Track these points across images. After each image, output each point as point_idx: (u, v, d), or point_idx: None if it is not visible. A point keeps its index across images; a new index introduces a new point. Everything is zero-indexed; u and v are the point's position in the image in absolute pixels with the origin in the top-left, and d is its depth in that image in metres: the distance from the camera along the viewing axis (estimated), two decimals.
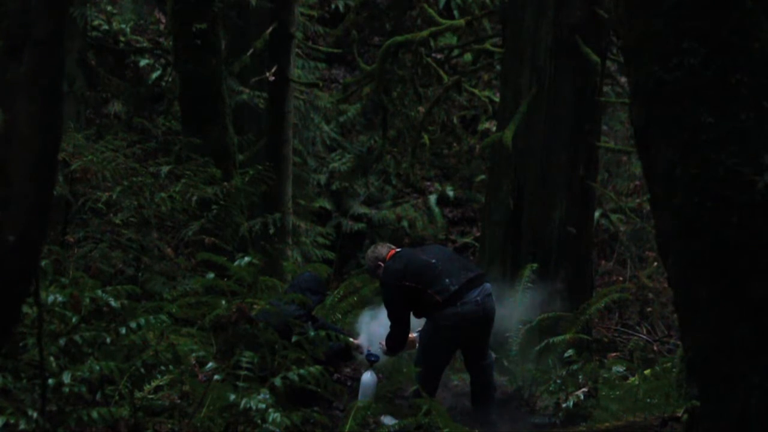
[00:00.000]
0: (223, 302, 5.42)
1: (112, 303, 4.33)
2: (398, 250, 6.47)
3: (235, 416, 4.15)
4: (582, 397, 6.51)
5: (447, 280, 6.11)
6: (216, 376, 4.38)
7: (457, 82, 10.93)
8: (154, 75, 12.58)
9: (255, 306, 4.86)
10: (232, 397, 4.14)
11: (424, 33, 10.26)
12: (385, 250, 6.44)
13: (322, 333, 5.31)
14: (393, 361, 6.91)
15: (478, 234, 11.67)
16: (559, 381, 6.92)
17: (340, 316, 7.56)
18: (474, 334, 6.27)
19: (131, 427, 4.20)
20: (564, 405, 6.56)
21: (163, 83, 12.08)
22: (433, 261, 6.20)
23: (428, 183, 14.22)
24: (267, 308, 5.25)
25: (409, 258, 6.29)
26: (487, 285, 6.27)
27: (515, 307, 7.58)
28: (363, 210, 13.14)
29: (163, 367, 4.53)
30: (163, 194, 6.94)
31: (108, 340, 4.20)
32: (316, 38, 13.10)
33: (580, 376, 6.88)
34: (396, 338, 6.27)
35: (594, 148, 8.79)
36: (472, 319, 6.14)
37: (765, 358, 3.13)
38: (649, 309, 11.51)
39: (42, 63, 2.96)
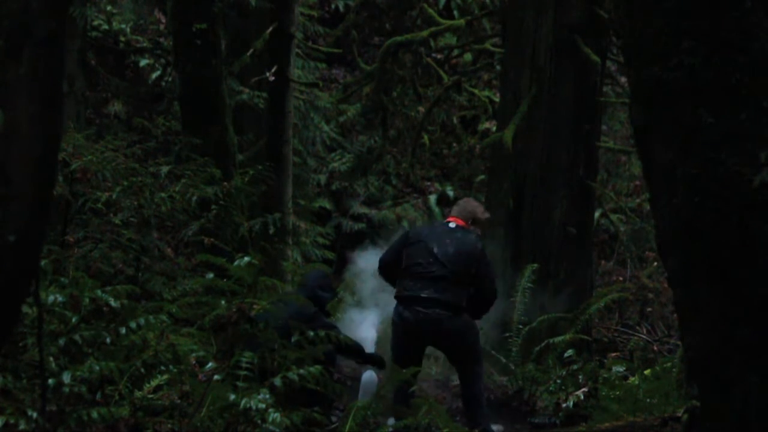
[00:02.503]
0: (223, 302, 5.41)
1: (112, 303, 4.33)
2: (444, 222, 6.43)
3: (235, 416, 4.15)
4: (582, 397, 6.52)
5: (411, 282, 6.11)
6: (216, 376, 4.38)
7: (457, 82, 10.95)
8: (154, 75, 12.58)
9: (255, 306, 4.86)
10: (232, 397, 4.14)
11: (424, 33, 10.27)
12: (453, 209, 6.52)
13: (322, 333, 5.30)
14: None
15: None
16: (559, 381, 6.92)
17: (339, 316, 7.57)
18: (418, 344, 6.23)
19: (131, 427, 4.20)
20: (564, 405, 6.57)
21: (163, 83, 12.09)
22: (423, 261, 6.12)
23: (428, 183, 14.22)
24: (280, 305, 5.27)
25: (422, 236, 6.27)
26: (439, 312, 6.07)
27: (515, 307, 7.59)
28: (363, 210, 13.14)
29: (163, 367, 4.54)
30: (163, 194, 6.93)
31: (108, 340, 4.20)
32: (316, 38, 13.09)
33: (580, 376, 6.89)
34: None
35: (594, 148, 8.79)
36: (407, 327, 6.11)
37: (765, 359, 3.13)
38: (649, 309, 11.51)
39: (42, 63, 2.96)
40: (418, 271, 6.10)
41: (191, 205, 7.09)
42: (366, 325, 7.07)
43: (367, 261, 7.25)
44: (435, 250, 6.14)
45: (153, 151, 8.76)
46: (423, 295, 6.04)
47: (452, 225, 6.32)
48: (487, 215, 6.59)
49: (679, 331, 3.69)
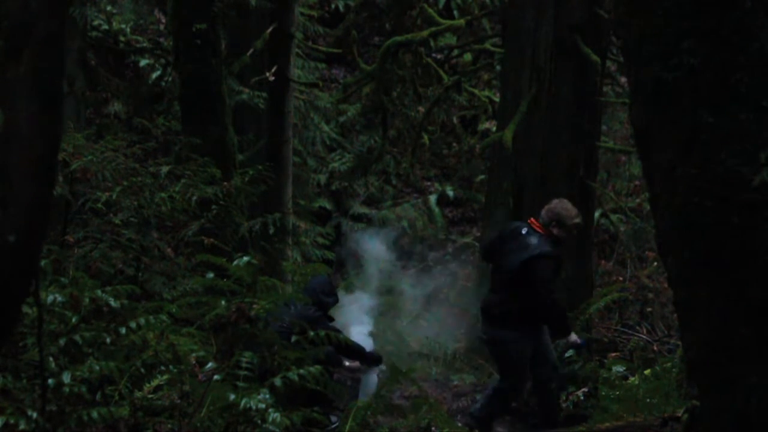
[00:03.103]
0: (223, 302, 5.41)
1: (112, 303, 4.33)
2: (521, 225, 6.52)
3: (235, 416, 4.15)
4: (582, 397, 6.51)
5: (489, 282, 6.74)
6: (216, 376, 4.38)
7: (457, 82, 10.93)
8: (154, 75, 12.58)
9: (255, 306, 4.86)
10: (232, 397, 4.14)
11: (424, 33, 10.26)
12: (544, 214, 6.45)
13: (322, 333, 5.31)
14: (393, 360, 6.93)
15: (478, 234, 11.67)
16: None
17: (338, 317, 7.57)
18: None
19: (131, 427, 4.21)
20: (564, 405, 6.56)
21: (163, 83, 12.08)
22: (493, 267, 6.61)
23: (428, 183, 14.21)
24: (284, 309, 5.27)
25: (501, 239, 6.55)
26: (488, 315, 6.44)
27: None
28: (363, 210, 13.14)
29: (163, 367, 4.54)
30: (163, 194, 6.93)
31: (108, 340, 4.20)
32: (316, 38, 13.09)
33: (580, 376, 6.88)
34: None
35: (594, 148, 8.78)
36: None
37: (765, 359, 3.13)
38: (649, 309, 11.48)
39: (42, 63, 2.96)
40: (490, 274, 6.67)
41: (191, 205, 7.08)
42: (359, 313, 7.11)
43: (366, 247, 7.35)
44: (499, 259, 6.46)
45: (153, 151, 8.76)
46: (489, 295, 6.58)
47: (524, 230, 6.39)
48: (576, 221, 6.40)
49: (679, 331, 3.69)
